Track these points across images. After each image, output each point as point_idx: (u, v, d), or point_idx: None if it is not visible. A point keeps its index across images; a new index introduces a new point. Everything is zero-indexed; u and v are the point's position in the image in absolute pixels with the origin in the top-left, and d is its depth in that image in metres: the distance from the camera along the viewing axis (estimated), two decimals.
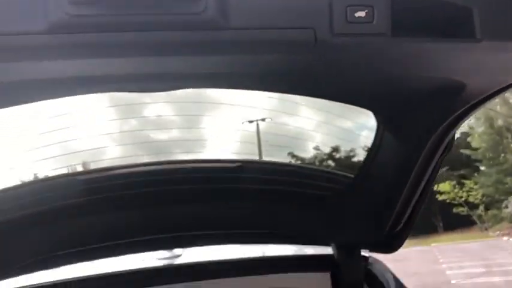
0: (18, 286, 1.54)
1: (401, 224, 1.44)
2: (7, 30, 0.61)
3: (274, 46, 0.70)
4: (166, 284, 1.65)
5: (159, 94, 0.96)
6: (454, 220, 29.33)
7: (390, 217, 1.38)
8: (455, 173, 29.22)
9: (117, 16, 0.62)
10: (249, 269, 1.74)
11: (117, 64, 0.70)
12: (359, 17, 0.66)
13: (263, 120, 1.35)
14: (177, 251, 1.77)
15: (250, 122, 1.34)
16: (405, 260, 17.68)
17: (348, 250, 1.59)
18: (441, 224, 33.04)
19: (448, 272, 14.41)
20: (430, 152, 1.11)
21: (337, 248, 1.61)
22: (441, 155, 1.17)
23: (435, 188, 28.32)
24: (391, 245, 1.57)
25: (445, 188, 28.13)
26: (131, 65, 0.70)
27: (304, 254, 1.77)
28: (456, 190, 28.57)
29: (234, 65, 0.81)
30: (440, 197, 28.43)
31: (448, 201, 28.53)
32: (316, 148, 1.53)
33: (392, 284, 1.65)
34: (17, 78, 0.72)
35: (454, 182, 28.56)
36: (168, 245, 1.73)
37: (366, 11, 0.65)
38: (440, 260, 18.13)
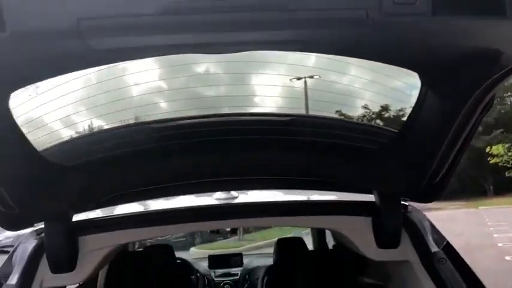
0: (104, 215, 1.80)
1: (439, 177, 1.54)
2: (126, 12, 0.75)
3: (333, 22, 0.83)
4: (224, 219, 1.87)
5: (218, 57, 1.10)
6: (505, 184, 28.39)
7: (429, 170, 1.48)
8: (511, 136, 27.99)
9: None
10: (297, 209, 1.92)
11: (198, 33, 0.82)
12: None
13: (311, 77, 1.43)
14: (233, 193, 2.00)
15: (299, 79, 1.43)
16: (452, 221, 17.47)
17: (389, 198, 1.71)
18: (491, 188, 32.09)
19: (495, 235, 14.17)
20: (469, 112, 1.19)
21: (379, 196, 1.73)
22: (479, 115, 1.23)
23: (487, 150, 27.38)
24: (429, 196, 1.68)
25: (498, 150, 27.05)
26: (209, 34, 0.83)
27: (349, 200, 1.90)
28: (510, 153, 27.40)
29: (300, 36, 0.92)
30: (492, 160, 27.46)
31: (500, 164, 27.49)
32: (363, 106, 1.61)
33: (429, 230, 1.77)
34: (125, 46, 0.89)
35: (508, 145, 27.39)
36: (226, 188, 1.93)
37: None
38: (488, 223, 17.77)
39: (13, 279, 1.55)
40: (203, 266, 3.84)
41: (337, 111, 1.60)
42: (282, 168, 1.76)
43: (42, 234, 1.66)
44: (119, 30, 0.80)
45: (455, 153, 1.42)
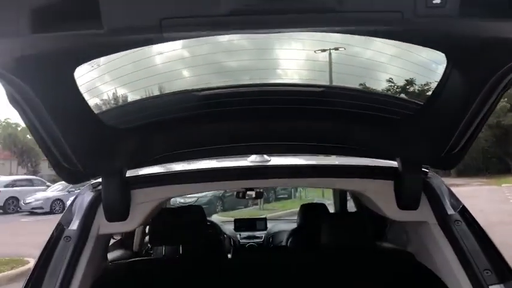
0: (153, 172, 1.99)
1: (458, 148, 1.63)
2: (198, 13, 0.90)
3: (370, 21, 0.96)
4: (259, 179, 2.06)
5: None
6: None
7: (450, 140, 1.57)
8: None
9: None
10: (327, 172, 2.07)
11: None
12: (435, 3, 0.87)
13: (336, 49, 1.50)
14: (266, 157, 2.18)
15: (323, 51, 1.50)
16: (474, 198, 17.32)
17: (411, 165, 1.81)
18: None
19: None
20: (490, 90, 1.26)
21: (402, 162, 1.84)
22: (500, 92, 1.30)
23: None
24: (448, 163, 1.79)
25: None
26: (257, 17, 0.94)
27: (374, 164, 2.02)
28: None
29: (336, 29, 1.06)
30: None
31: None
32: (387, 79, 1.68)
33: (446, 194, 1.87)
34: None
35: None
36: (261, 151, 2.12)
37: None
38: (511, 200, 17.61)
39: (74, 225, 1.74)
40: (229, 228, 4.03)
41: (361, 84, 1.67)
42: (312, 135, 1.87)
43: (98, 188, 1.86)
44: (191, 27, 0.96)
45: (473, 128, 1.50)
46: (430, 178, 1.92)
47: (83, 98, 1.38)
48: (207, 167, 2.17)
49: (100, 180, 1.88)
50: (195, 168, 2.16)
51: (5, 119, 44.41)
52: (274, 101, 1.66)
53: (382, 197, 1.88)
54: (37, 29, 0.88)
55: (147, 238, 3.30)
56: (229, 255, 3.17)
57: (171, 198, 2.09)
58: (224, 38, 1.27)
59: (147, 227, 3.20)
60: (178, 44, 1.29)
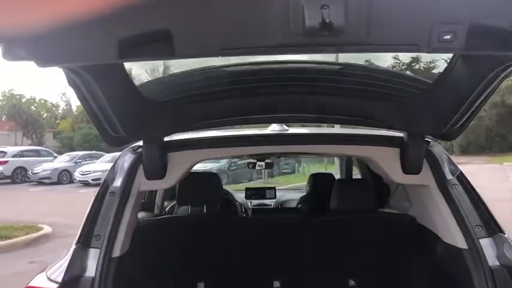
0: (187, 137, 2.24)
1: (459, 124, 1.83)
2: (249, 44, 1.11)
3: (394, 50, 1.34)
4: (277, 145, 2.31)
5: None
6: None
7: (453, 118, 1.76)
8: None
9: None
10: (339, 139, 2.30)
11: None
12: (446, 38, 1.06)
13: None
14: (285, 126, 2.47)
15: None
16: (475, 175, 17.42)
17: (415, 136, 2.03)
18: None
19: None
20: (494, 77, 1.43)
21: (408, 134, 2.06)
22: (500, 80, 1.47)
23: None
24: (449, 136, 1.99)
25: None
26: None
27: (382, 134, 2.25)
28: None
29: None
30: None
31: None
32: (403, 63, 1.87)
33: (446, 161, 2.09)
34: None
35: None
36: (281, 121, 2.40)
37: (450, 35, 1.06)
38: (511, 178, 17.81)
39: (117, 182, 1.97)
40: (240, 196, 4.29)
41: (376, 65, 1.86)
42: (329, 108, 2.09)
43: (138, 150, 2.08)
44: (245, 52, 1.26)
45: (474, 107, 1.69)
46: (431, 146, 2.14)
47: (130, 78, 1.59)
48: (233, 134, 2.43)
49: (139, 143, 2.11)
50: (224, 134, 2.42)
51: (9, 90, 44.55)
52: (299, 78, 1.88)
53: (389, 162, 2.11)
54: (123, 55, 1.08)
55: (166, 203, 3.58)
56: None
57: (202, 160, 2.36)
58: None
59: (164, 192, 3.51)
60: None
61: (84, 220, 1.85)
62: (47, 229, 8.60)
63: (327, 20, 0.98)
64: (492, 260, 1.74)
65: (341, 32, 1.00)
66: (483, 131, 34.34)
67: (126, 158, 2.08)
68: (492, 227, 1.84)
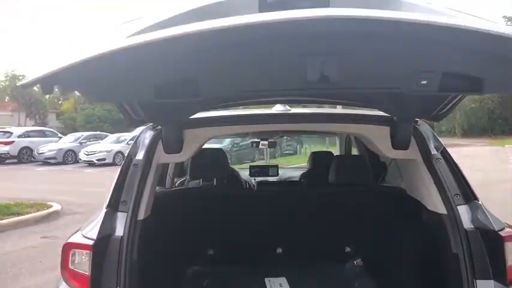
0: (201, 116, 2.44)
1: (445, 110, 2.12)
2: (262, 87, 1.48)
3: (380, 92, 1.79)
4: (281, 123, 2.55)
5: None
6: None
7: (438, 107, 2.07)
8: None
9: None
10: (338, 118, 2.53)
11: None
12: (423, 83, 1.38)
13: None
14: (288, 107, 2.72)
15: None
16: (475, 157, 17.53)
17: (405, 117, 2.27)
18: None
19: None
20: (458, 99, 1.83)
21: (398, 117, 2.30)
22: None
23: None
24: (437, 118, 2.26)
25: None
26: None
27: (375, 114, 2.46)
28: None
29: None
30: None
31: None
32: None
33: (431, 138, 2.32)
34: None
35: None
36: (286, 102, 2.68)
37: (426, 81, 1.37)
38: (511, 160, 17.99)
39: (140, 156, 2.20)
40: (244, 174, 4.52)
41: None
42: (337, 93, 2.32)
43: (157, 127, 2.31)
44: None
45: (458, 98, 1.99)
46: (419, 125, 2.37)
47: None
48: (243, 113, 2.67)
49: None
50: (234, 113, 2.66)
51: (12, 71, 44.48)
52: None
53: (381, 139, 2.34)
54: (158, 96, 1.38)
55: (175, 179, 3.83)
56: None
57: (215, 137, 2.60)
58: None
59: (175, 167, 3.80)
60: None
61: (111, 188, 2.07)
62: (56, 206, 8.88)
63: (325, 73, 1.31)
64: (467, 223, 1.98)
65: (337, 83, 1.34)
66: (485, 113, 34.37)
67: (147, 135, 2.31)
68: (468, 195, 2.08)
